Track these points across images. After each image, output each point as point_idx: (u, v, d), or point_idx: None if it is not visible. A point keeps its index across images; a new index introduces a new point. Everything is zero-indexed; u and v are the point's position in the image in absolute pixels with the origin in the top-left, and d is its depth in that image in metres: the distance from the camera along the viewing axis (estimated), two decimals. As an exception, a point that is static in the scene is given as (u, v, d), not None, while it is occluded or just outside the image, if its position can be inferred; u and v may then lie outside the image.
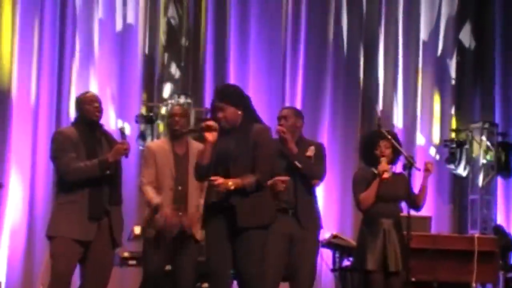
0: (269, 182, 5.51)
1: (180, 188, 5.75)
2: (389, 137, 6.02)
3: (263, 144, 4.99)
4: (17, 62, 7.76)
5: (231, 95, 5.01)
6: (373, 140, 6.04)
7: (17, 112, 7.71)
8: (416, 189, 6.09)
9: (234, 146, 4.94)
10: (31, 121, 7.78)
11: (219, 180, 4.83)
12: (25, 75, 7.77)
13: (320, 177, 6.03)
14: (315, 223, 5.97)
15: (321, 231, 6.09)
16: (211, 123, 4.90)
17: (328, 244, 7.44)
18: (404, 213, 6.10)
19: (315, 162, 5.94)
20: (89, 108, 5.47)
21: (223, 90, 5.11)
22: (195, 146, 5.68)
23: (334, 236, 7.48)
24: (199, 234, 5.69)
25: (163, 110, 8.60)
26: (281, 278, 5.98)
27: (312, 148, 5.98)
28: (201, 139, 5.03)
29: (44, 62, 7.96)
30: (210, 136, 4.89)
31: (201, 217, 5.25)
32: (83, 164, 5.29)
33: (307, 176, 5.90)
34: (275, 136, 5.64)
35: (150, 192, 5.75)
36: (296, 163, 5.84)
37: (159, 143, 6.16)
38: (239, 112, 4.99)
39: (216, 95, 5.06)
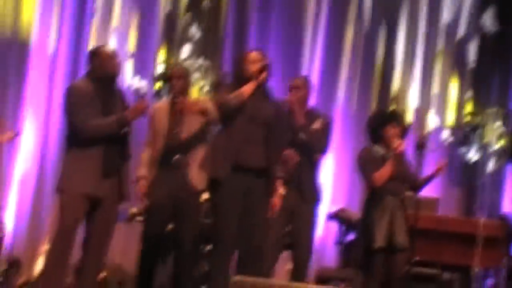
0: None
1: (175, 144, 5.75)
2: (403, 122, 6.07)
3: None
4: (39, 11, 7.70)
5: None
6: (388, 119, 6.02)
7: (34, 61, 7.67)
8: (425, 173, 6.11)
9: (273, 115, 5.31)
10: (48, 71, 7.75)
11: None
12: (45, 24, 7.72)
13: (322, 151, 6.04)
14: (315, 197, 6.01)
15: (321, 205, 6.18)
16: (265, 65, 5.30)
17: (335, 216, 7.45)
18: (411, 193, 6.12)
19: (320, 136, 5.94)
20: (110, 62, 5.38)
21: None
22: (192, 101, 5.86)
23: (341, 210, 7.50)
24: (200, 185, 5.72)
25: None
26: (280, 252, 6.03)
27: (320, 120, 5.98)
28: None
29: (65, 13, 7.90)
30: (262, 77, 5.29)
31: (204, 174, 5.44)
32: (101, 121, 5.21)
33: (311, 149, 5.91)
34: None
35: (143, 161, 5.85)
36: (301, 135, 5.85)
37: (161, 103, 6.18)
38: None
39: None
